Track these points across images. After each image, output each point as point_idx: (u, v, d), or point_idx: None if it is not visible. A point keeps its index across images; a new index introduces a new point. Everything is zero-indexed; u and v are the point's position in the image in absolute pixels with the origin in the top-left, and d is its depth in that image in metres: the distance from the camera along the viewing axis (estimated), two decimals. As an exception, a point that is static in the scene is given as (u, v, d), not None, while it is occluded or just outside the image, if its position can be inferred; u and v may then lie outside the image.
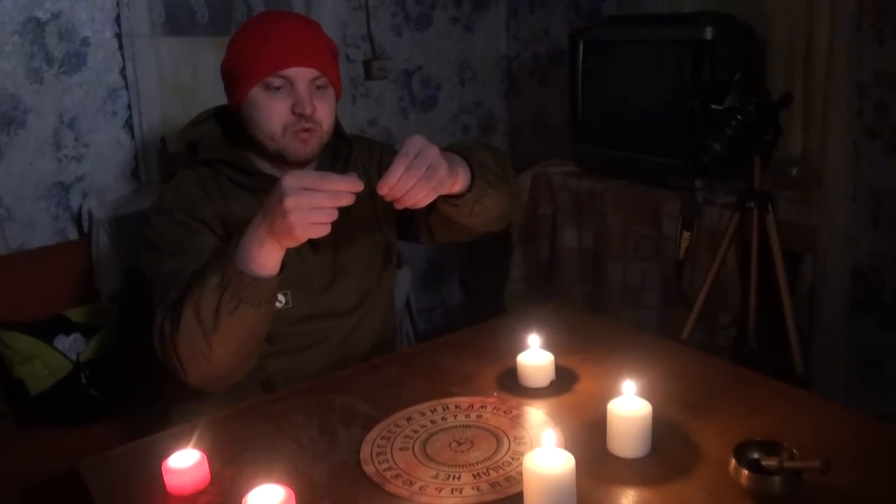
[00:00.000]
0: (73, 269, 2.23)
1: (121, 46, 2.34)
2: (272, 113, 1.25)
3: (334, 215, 1.01)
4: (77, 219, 2.33)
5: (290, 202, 0.98)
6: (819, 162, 2.09)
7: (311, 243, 1.28)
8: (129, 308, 2.07)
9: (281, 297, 1.28)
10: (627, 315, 2.27)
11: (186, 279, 1.15)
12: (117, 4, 2.31)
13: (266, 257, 1.07)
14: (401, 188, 1.02)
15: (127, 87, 2.37)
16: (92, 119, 2.34)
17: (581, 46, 2.40)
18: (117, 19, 2.32)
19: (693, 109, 1.76)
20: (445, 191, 1.11)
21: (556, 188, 2.49)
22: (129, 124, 2.40)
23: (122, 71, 2.36)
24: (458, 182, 1.14)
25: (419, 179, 1.02)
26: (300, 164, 1.30)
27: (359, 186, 1.01)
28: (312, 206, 0.99)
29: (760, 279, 1.78)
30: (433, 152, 1.05)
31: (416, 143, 1.04)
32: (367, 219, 1.39)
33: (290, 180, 0.99)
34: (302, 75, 1.25)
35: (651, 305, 2.24)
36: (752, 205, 1.72)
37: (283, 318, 1.28)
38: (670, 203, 2.12)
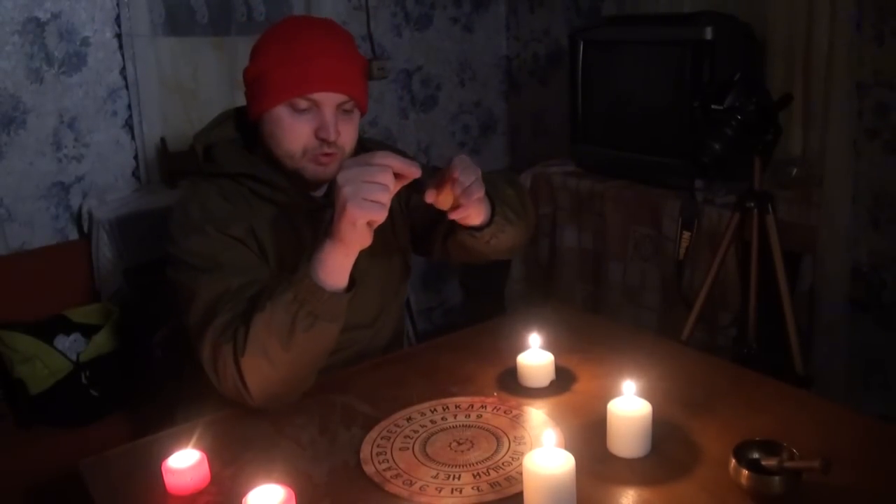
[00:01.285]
0: (73, 269, 2.23)
1: (121, 46, 2.34)
2: (295, 134, 1.22)
3: (388, 194, 0.99)
4: (77, 219, 2.33)
5: (342, 177, 0.99)
6: (819, 162, 2.09)
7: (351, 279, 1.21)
8: (129, 308, 2.07)
9: None
10: (627, 315, 2.27)
11: (235, 297, 1.12)
12: (117, 4, 2.31)
13: (335, 265, 1.04)
14: (459, 189, 1.06)
15: (127, 87, 2.37)
16: (92, 119, 2.34)
17: (581, 46, 2.40)
18: (117, 19, 2.32)
19: (693, 109, 1.76)
20: (470, 221, 1.16)
21: (556, 188, 2.49)
22: (129, 124, 2.40)
23: (122, 71, 2.36)
24: (480, 214, 1.17)
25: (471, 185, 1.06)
26: (318, 184, 1.28)
27: (415, 171, 1.01)
28: (364, 179, 0.98)
29: (760, 279, 1.78)
30: (479, 171, 1.09)
31: (466, 159, 1.08)
32: (386, 232, 1.36)
33: (346, 162, 1.02)
34: (330, 100, 1.21)
35: (651, 305, 2.24)
36: (752, 205, 1.72)
37: None
38: (670, 203, 2.12)
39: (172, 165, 2.38)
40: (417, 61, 3.04)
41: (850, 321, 2.10)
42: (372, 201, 0.98)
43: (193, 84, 2.45)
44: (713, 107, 1.66)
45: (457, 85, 3.18)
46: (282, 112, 1.22)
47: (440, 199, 1.08)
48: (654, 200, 2.19)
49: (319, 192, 1.32)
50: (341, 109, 1.24)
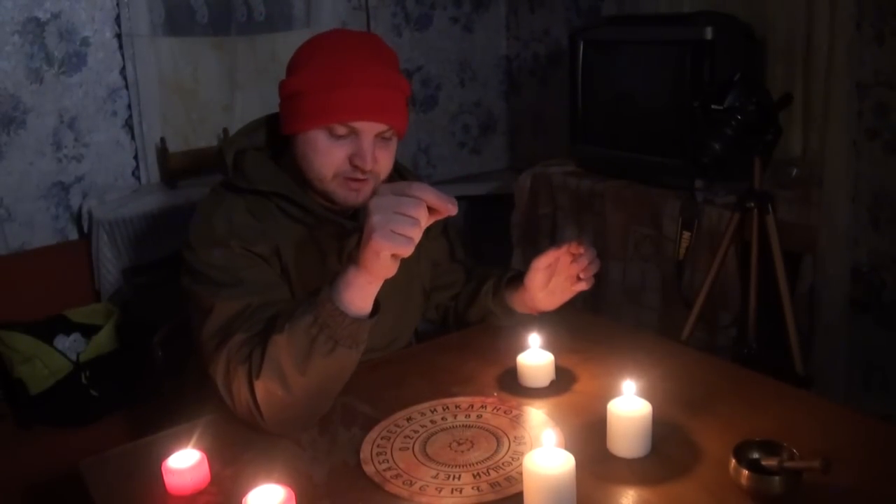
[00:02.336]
0: (73, 269, 2.23)
1: (121, 46, 2.34)
2: (330, 159, 1.17)
3: (418, 229, 0.94)
4: (77, 219, 2.33)
5: (374, 203, 0.94)
6: (819, 162, 2.09)
7: (375, 304, 1.16)
8: (129, 308, 2.07)
9: None
10: (627, 315, 2.27)
11: (253, 316, 1.09)
12: (117, 4, 2.31)
13: (358, 292, 1.01)
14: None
15: (127, 87, 2.37)
16: (92, 119, 2.34)
17: (581, 46, 2.40)
18: (117, 19, 2.32)
19: (693, 109, 1.76)
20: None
21: (556, 188, 2.49)
22: (129, 124, 2.40)
23: (122, 71, 2.36)
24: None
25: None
26: (347, 208, 1.24)
27: (451, 209, 0.96)
28: (397, 210, 0.93)
29: (760, 279, 1.78)
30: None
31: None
32: (410, 261, 1.36)
33: (381, 188, 0.97)
34: (370, 129, 1.16)
35: (651, 305, 2.24)
36: (752, 205, 1.72)
37: None
38: (670, 203, 2.12)
39: (174, 165, 2.38)
40: (417, 61, 3.04)
41: (850, 321, 2.10)
42: (400, 234, 0.93)
43: (193, 84, 2.46)
44: (713, 107, 1.66)
45: (457, 85, 3.18)
46: (318, 135, 1.17)
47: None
48: (654, 200, 2.19)
49: (349, 216, 1.28)
50: (380, 138, 1.19)
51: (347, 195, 1.20)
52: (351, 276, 1.00)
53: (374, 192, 0.98)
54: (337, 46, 1.19)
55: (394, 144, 1.23)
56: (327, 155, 1.17)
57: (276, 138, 1.28)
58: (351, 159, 1.17)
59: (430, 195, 0.94)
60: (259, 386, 1.02)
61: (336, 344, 1.01)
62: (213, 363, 1.08)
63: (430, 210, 0.96)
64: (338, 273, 1.02)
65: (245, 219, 1.20)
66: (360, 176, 1.18)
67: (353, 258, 1.00)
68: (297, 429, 1.09)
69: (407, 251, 0.95)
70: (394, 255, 0.97)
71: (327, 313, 1.00)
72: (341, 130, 1.16)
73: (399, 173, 1.36)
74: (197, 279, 1.16)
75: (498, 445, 1.00)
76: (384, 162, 1.20)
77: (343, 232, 1.25)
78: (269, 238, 1.20)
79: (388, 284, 1.12)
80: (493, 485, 0.92)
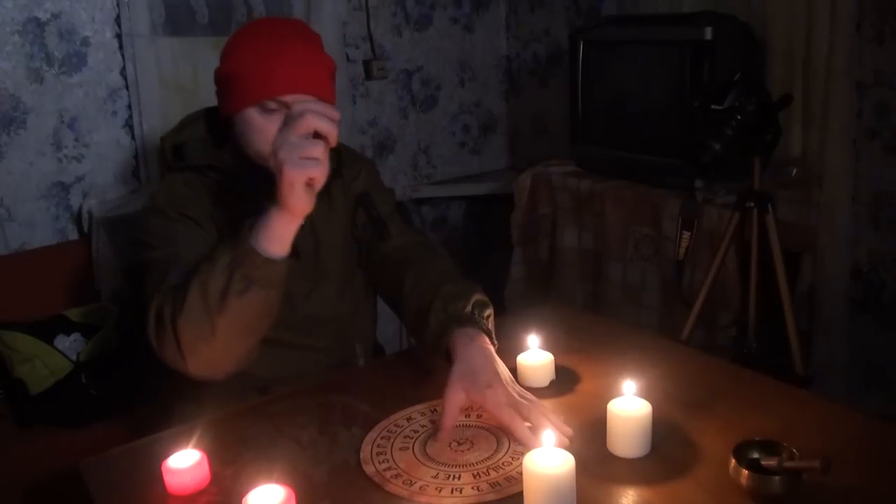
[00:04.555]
0: (73, 269, 2.23)
1: (121, 46, 2.34)
2: (264, 135, 1.21)
3: (320, 147, 1.02)
4: (77, 219, 2.33)
5: (275, 143, 1.02)
6: (819, 162, 2.09)
7: (292, 249, 1.23)
8: (129, 308, 2.07)
9: None
10: (627, 315, 2.27)
11: (186, 265, 1.14)
12: (117, 4, 2.31)
13: (277, 232, 1.07)
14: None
15: (127, 87, 2.37)
16: (92, 119, 2.34)
17: (581, 46, 2.40)
18: (117, 19, 2.32)
19: (693, 109, 1.77)
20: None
21: (556, 188, 2.49)
22: (129, 124, 2.40)
23: (122, 71, 2.36)
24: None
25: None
26: None
27: (335, 113, 1.04)
28: (296, 136, 1.01)
29: (760, 279, 1.78)
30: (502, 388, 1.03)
31: (501, 397, 1.01)
32: (345, 226, 1.39)
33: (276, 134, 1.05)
34: (299, 101, 1.22)
35: (651, 305, 2.24)
36: (752, 205, 1.72)
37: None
38: (670, 203, 2.12)
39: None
40: (417, 61, 3.04)
41: (850, 321, 2.10)
42: (307, 158, 1.01)
43: (193, 84, 2.46)
44: (713, 107, 1.66)
45: (457, 85, 3.18)
46: (252, 113, 1.23)
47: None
48: (654, 200, 2.19)
49: None
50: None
51: None
52: (270, 216, 1.07)
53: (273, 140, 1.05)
54: (262, 31, 1.27)
55: None
56: (262, 131, 1.23)
57: (218, 129, 1.34)
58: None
59: (314, 116, 1.02)
60: (181, 324, 1.08)
61: (250, 283, 1.06)
62: (146, 314, 1.13)
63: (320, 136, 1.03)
64: (257, 216, 1.08)
65: (181, 190, 1.30)
66: None
67: (273, 200, 1.06)
68: (220, 373, 1.16)
69: (318, 173, 1.03)
70: (308, 185, 1.03)
71: (243, 253, 1.06)
72: (272, 105, 1.22)
73: (335, 149, 1.39)
74: (139, 250, 1.24)
75: (498, 445, 1.00)
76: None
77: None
78: (205, 205, 1.28)
79: (330, 256, 1.29)
80: (493, 485, 0.92)
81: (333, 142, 1.05)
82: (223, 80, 1.28)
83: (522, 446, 0.97)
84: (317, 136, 1.04)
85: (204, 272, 1.08)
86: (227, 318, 1.07)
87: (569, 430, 1.00)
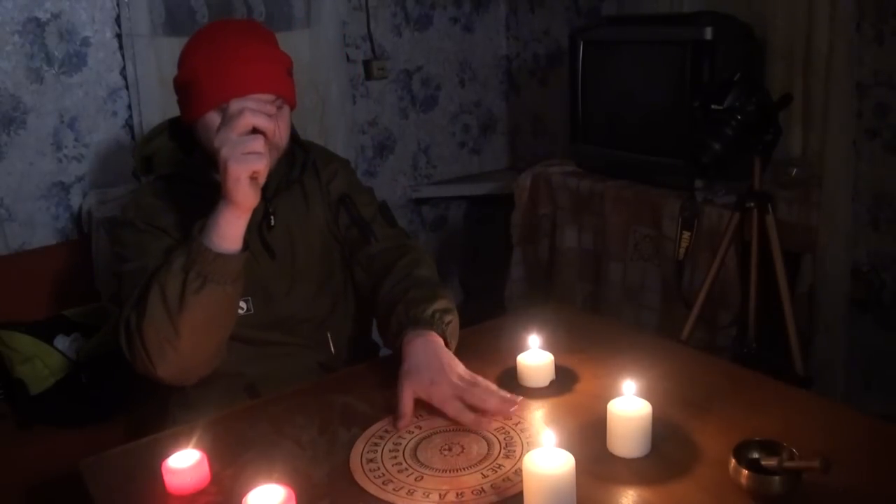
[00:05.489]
0: (73, 269, 2.23)
1: (121, 46, 2.34)
2: None
3: (260, 141, 1.07)
4: (77, 219, 2.33)
5: (217, 141, 1.07)
6: (819, 162, 2.09)
7: (268, 250, 1.30)
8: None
9: (242, 304, 1.28)
10: (627, 315, 2.27)
11: (150, 274, 1.16)
12: (117, 4, 2.31)
13: (226, 227, 1.10)
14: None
15: (127, 87, 2.37)
16: (92, 119, 2.34)
17: (581, 46, 2.40)
18: (117, 19, 2.32)
19: (693, 109, 1.76)
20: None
21: (556, 188, 2.49)
22: (129, 124, 2.40)
23: (122, 71, 2.36)
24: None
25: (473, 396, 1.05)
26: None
27: (270, 108, 1.11)
28: (236, 134, 1.06)
29: (760, 279, 1.78)
30: (445, 383, 1.06)
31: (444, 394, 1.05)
32: (322, 226, 1.40)
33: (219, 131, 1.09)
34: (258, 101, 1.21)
35: (651, 305, 2.24)
36: (752, 205, 1.72)
37: (247, 324, 1.29)
38: (670, 203, 2.12)
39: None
40: (417, 61, 3.04)
41: (850, 321, 2.10)
42: (250, 153, 1.06)
43: (193, 84, 2.46)
44: (713, 107, 1.66)
45: (457, 85, 3.18)
46: (213, 117, 1.22)
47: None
48: (654, 200, 2.19)
49: None
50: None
51: None
52: (218, 212, 1.11)
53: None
54: (216, 34, 1.27)
55: (286, 113, 1.29)
56: None
57: (184, 137, 1.34)
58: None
59: (251, 113, 1.07)
60: (145, 329, 1.11)
61: (205, 280, 1.10)
62: (118, 325, 1.16)
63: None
64: (207, 216, 1.11)
65: (150, 200, 1.31)
66: None
67: (222, 197, 1.09)
68: (190, 377, 1.19)
69: (262, 166, 1.07)
70: (252, 178, 1.08)
71: (195, 251, 1.09)
72: None
73: (296, 142, 1.40)
74: (116, 261, 1.28)
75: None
76: (280, 132, 1.24)
77: None
78: (172, 214, 1.29)
79: (307, 256, 1.33)
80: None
81: (271, 136, 1.10)
82: (182, 88, 1.27)
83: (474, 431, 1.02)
84: (255, 131, 1.08)
85: (161, 276, 1.11)
86: (187, 317, 1.10)
87: (515, 399, 1.04)
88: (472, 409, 1.03)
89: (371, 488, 0.92)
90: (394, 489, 0.92)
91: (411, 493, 0.91)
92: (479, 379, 1.08)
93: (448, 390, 1.05)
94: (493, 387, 1.07)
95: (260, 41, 1.26)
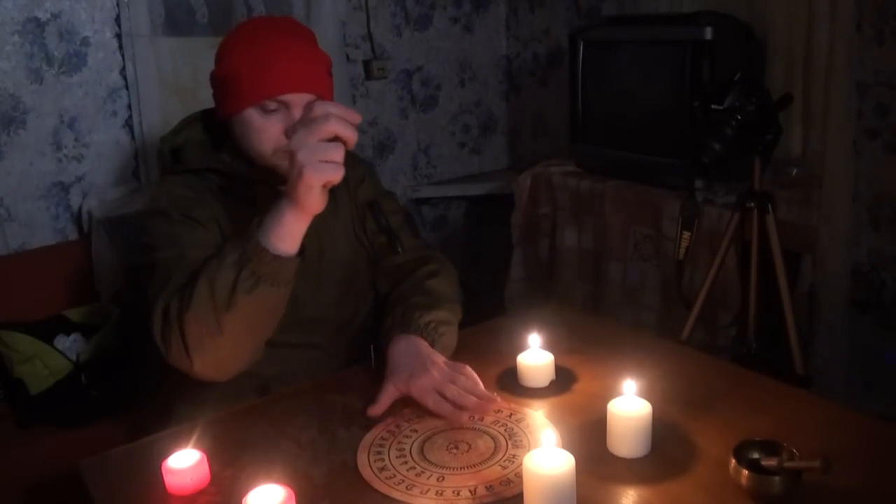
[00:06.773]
0: (73, 269, 2.23)
1: (121, 46, 2.34)
2: (266, 135, 1.22)
3: (341, 150, 1.03)
4: (77, 219, 2.33)
5: (295, 142, 1.02)
6: (819, 162, 2.09)
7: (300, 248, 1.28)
8: (129, 308, 2.07)
9: None
10: (627, 315, 2.27)
11: (191, 265, 1.13)
12: (117, 4, 2.31)
13: (288, 230, 1.07)
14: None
15: (127, 87, 2.37)
16: (92, 119, 2.34)
17: (581, 46, 2.40)
18: (117, 19, 2.32)
19: (693, 109, 1.76)
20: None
21: (556, 188, 2.49)
22: (129, 124, 2.40)
23: (122, 71, 2.36)
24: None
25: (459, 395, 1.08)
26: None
27: (356, 116, 1.05)
28: (316, 139, 1.02)
29: (760, 279, 1.78)
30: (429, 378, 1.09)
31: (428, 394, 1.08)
32: (349, 230, 1.40)
33: (295, 128, 1.06)
34: (298, 100, 1.21)
35: (651, 305, 2.24)
36: (752, 205, 1.72)
37: None
38: (670, 203, 2.12)
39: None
40: (417, 61, 3.04)
41: (850, 321, 2.10)
42: (328, 162, 1.02)
43: (193, 84, 2.45)
44: (713, 107, 1.65)
45: (457, 85, 3.18)
46: (252, 114, 1.22)
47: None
48: (654, 200, 2.19)
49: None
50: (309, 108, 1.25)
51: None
52: (281, 213, 1.07)
53: (292, 134, 1.06)
54: (257, 31, 1.25)
55: None
56: (263, 131, 1.22)
57: (217, 131, 1.33)
58: (286, 132, 1.21)
59: (333, 109, 1.03)
60: (188, 321, 1.07)
61: (258, 280, 1.06)
62: (151, 313, 1.12)
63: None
64: (267, 213, 1.08)
65: (183, 192, 1.27)
66: None
67: (287, 197, 1.06)
68: (225, 374, 1.14)
69: (338, 176, 1.03)
70: (325, 185, 1.04)
71: (252, 249, 1.06)
72: (272, 105, 1.21)
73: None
74: (143, 252, 1.22)
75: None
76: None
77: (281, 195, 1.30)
78: (207, 207, 1.26)
79: (333, 257, 1.29)
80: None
81: (352, 146, 1.06)
82: (220, 82, 1.26)
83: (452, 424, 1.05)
84: (335, 138, 1.04)
85: (212, 269, 1.07)
86: (234, 316, 1.06)
87: (493, 398, 1.08)
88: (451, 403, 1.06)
89: (396, 494, 0.91)
90: (420, 493, 0.92)
91: (440, 494, 0.91)
92: (466, 369, 1.11)
93: (427, 383, 1.08)
94: (475, 378, 1.10)
95: (302, 40, 1.26)
